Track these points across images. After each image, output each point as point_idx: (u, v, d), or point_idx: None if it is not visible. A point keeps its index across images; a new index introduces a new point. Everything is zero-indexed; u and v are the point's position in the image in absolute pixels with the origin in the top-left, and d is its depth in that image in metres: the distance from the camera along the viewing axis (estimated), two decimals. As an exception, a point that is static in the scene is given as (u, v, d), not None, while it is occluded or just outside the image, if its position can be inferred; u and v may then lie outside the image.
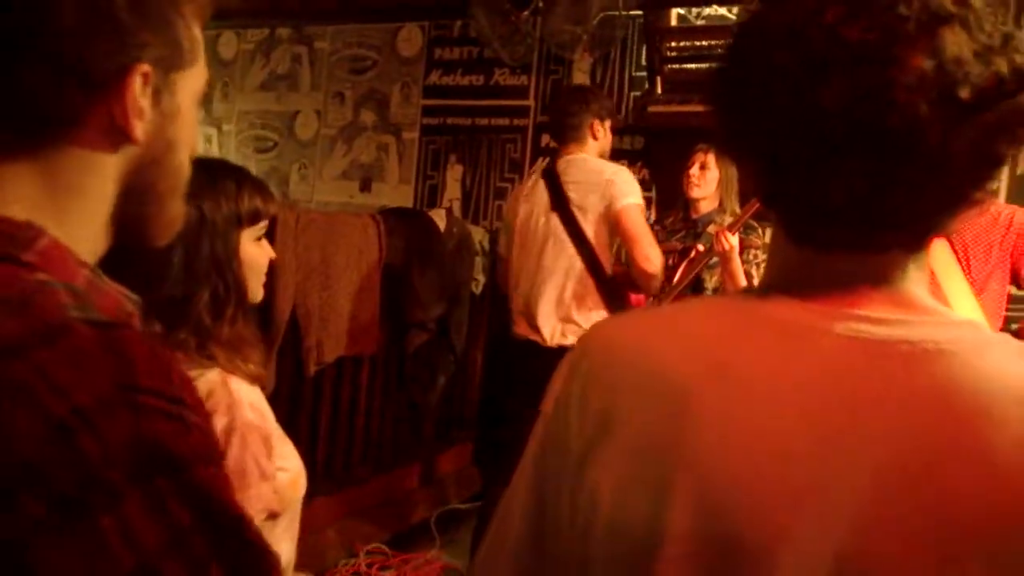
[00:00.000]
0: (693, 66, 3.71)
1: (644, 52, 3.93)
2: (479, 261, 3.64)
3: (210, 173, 1.04)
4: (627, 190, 2.53)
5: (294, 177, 5.04)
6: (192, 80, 0.64)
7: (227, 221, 1.03)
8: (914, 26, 0.52)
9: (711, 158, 2.82)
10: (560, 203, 2.59)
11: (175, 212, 0.66)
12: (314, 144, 4.99)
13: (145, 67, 0.58)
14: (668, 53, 3.75)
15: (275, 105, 5.08)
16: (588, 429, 0.63)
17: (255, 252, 1.10)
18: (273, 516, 1.03)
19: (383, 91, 4.78)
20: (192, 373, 0.95)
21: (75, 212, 0.58)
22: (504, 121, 4.42)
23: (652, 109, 3.57)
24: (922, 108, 0.51)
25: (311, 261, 2.64)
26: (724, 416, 0.58)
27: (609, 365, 0.65)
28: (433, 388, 3.37)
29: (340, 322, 2.78)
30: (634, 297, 2.67)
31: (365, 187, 4.84)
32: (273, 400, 1.12)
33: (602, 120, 2.69)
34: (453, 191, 4.57)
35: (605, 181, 2.54)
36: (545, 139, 4.29)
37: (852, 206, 0.56)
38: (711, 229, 2.73)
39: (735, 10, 3.75)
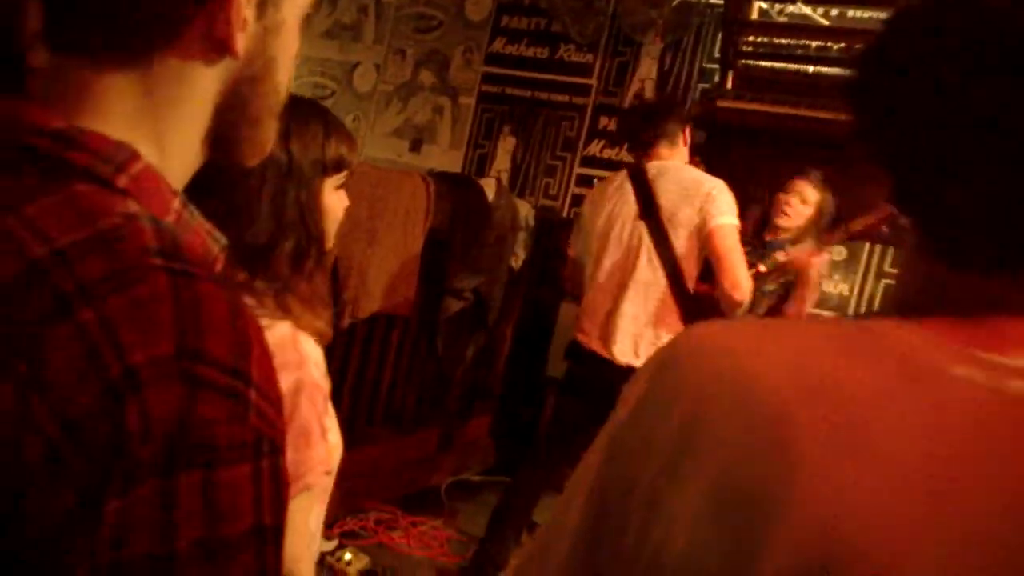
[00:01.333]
0: (769, 64, 3.59)
1: (718, 44, 3.82)
2: (522, 236, 3.59)
3: (299, 112, 0.97)
4: (726, 208, 2.34)
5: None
6: None
7: (313, 167, 0.98)
8: None
9: (813, 192, 2.70)
10: (650, 212, 2.40)
11: (269, 133, 0.63)
12: (370, 98, 4.95)
13: None
14: (744, 47, 3.64)
15: (336, 54, 5.04)
16: (669, 443, 0.55)
17: (335, 202, 1.05)
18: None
19: (445, 53, 4.71)
20: (263, 322, 0.91)
21: (171, 129, 0.56)
22: (564, 98, 4.33)
23: (720, 104, 3.46)
24: None
25: (358, 214, 2.60)
26: (826, 457, 0.49)
27: (699, 374, 0.56)
28: (461, 357, 3.34)
29: (379, 279, 2.74)
30: None
31: (415, 147, 4.80)
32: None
33: (687, 125, 2.57)
34: (503, 162, 4.50)
35: (704, 194, 2.35)
36: (603, 121, 4.20)
37: (1005, 224, 0.49)
38: (780, 256, 2.63)
39: (819, 11, 3.62)
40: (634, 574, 0.55)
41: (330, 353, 2.92)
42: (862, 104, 0.56)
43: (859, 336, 0.55)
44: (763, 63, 3.62)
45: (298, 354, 0.93)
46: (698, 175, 2.43)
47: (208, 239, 0.57)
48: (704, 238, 2.34)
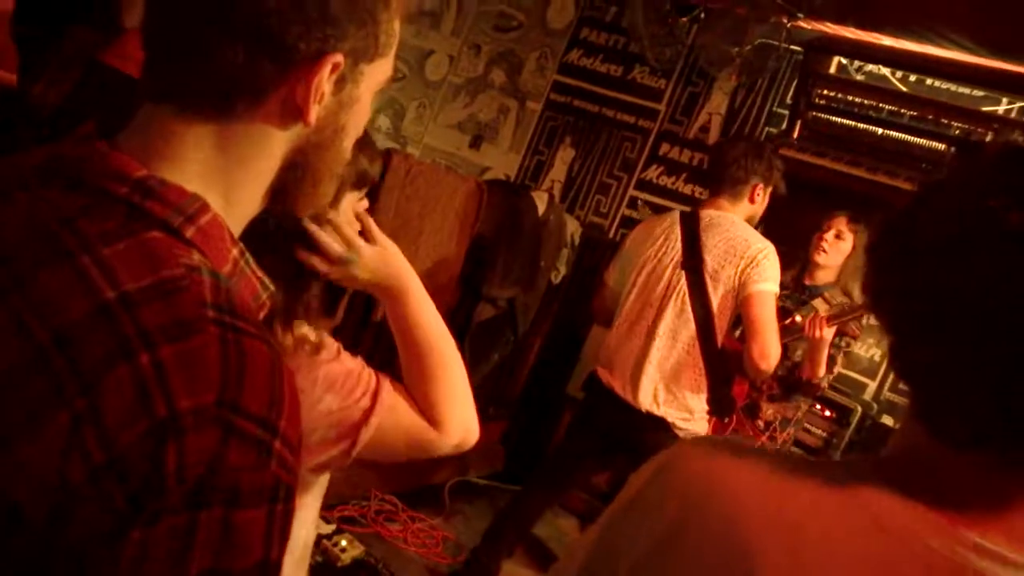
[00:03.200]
0: (838, 120, 3.55)
1: (792, 91, 3.78)
2: (565, 253, 3.60)
3: None
4: (768, 275, 2.29)
5: (411, 114, 5.06)
6: (379, 71, 0.64)
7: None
8: None
9: (849, 228, 2.65)
10: (693, 264, 2.34)
11: (327, 192, 0.67)
12: (439, 87, 5.00)
13: (339, 57, 0.58)
14: (816, 100, 3.59)
15: (412, 39, 5.09)
16: (653, 541, 0.62)
17: (353, 215, 1.08)
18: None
19: (520, 55, 4.73)
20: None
21: (239, 183, 0.60)
22: (630, 118, 4.33)
23: (784, 152, 3.43)
24: None
25: (410, 211, 2.64)
26: None
27: (689, 490, 0.63)
28: (486, 363, 3.37)
29: (419, 277, 2.78)
30: (737, 384, 2.44)
31: (475, 144, 4.83)
32: (334, 336, 1.13)
33: (766, 185, 2.45)
34: (559, 173, 4.52)
35: (749, 257, 2.29)
36: (665, 148, 4.20)
37: (987, 404, 0.52)
38: (817, 303, 2.60)
39: (899, 75, 3.57)
40: None
41: (359, 342, 2.97)
42: (871, 266, 0.60)
43: (838, 487, 0.59)
44: (833, 118, 3.57)
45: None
46: (748, 234, 2.37)
47: (258, 287, 0.61)
48: (742, 300, 2.30)
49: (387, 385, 1.03)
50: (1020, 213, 0.50)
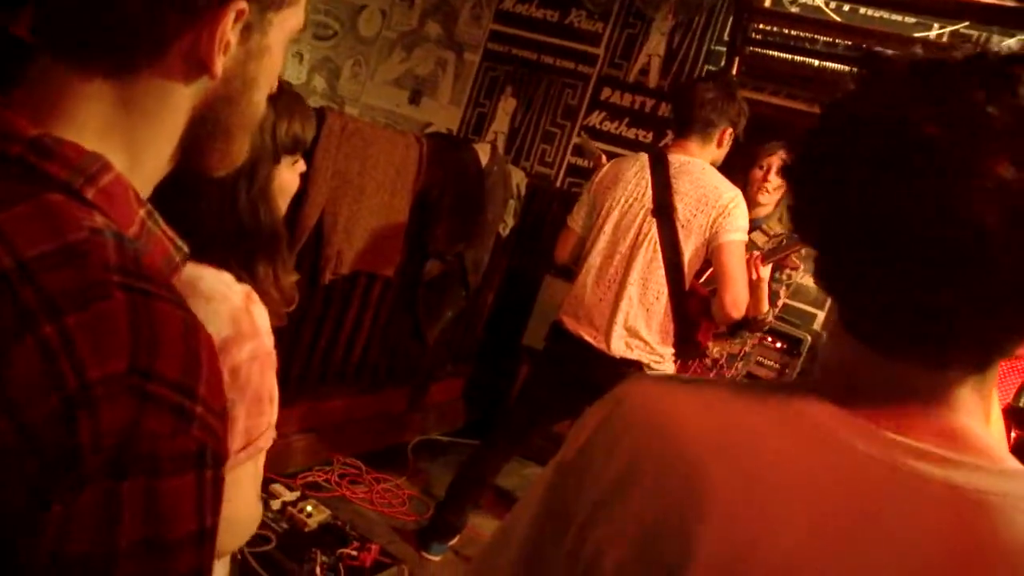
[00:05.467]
0: (776, 54, 3.56)
1: (728, 27, 3.78)
2: (512, 204, 3.58)
3: None
4: (739, 224, 2.28)
5: (346, 72, 4.94)
6: (288, 20, 0.61)
7: (264, 156, 0.98)
8: (1000, 129, 0.48)
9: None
10: (664, 212, 2.31)
11: (240, 147, 0.64)
12: (373, 43, 4.87)
13: (242, 4, 0.55)
14: (753, 35, 3.60)
15: (342, -6, 4.94)
16: (604, 484, 0.63)
17: (290, 177, 1.07)
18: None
19: (454, 5, 4.63)
20: (218, 291, 0.93)
21: (143, 140, 0.57)
22: (569, 64, 4.29)
23: (723, 89, 3.43)
24: (992, 220, 0.48)
25: (348, 171, 2.58)
26: (730, 512, 0.56)
27: (638, 430, 0.64)
28: (439, 320, 3.36)
29: (364, 237, 2.74)
30: (702, 329, 2.43)
31: (414, 99, 4.74)
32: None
33: (733, 129, 2.40)
34: (501, 124, 4.46)
35: (720, 207, 2.28)
36: (606, 92, 4.17)
37: (912, 314, 0.53)
38: (755, 235, 2.61)
39: (832, 5, 3.58)
40: None
41: (309, 306, 2.93)
42: (793, 188, 0.60)
43: (779, 407, 0.60)
44: (771, 52, 3.58)
45: (252, 325, 0.95)
46: (718, 182, 2.34)
47: (170, 247, 0.58)
48: (713, 249, 2.30)
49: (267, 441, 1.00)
50: (938, 125, 0.50)
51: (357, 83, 4.91)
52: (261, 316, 0.98)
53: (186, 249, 0.60)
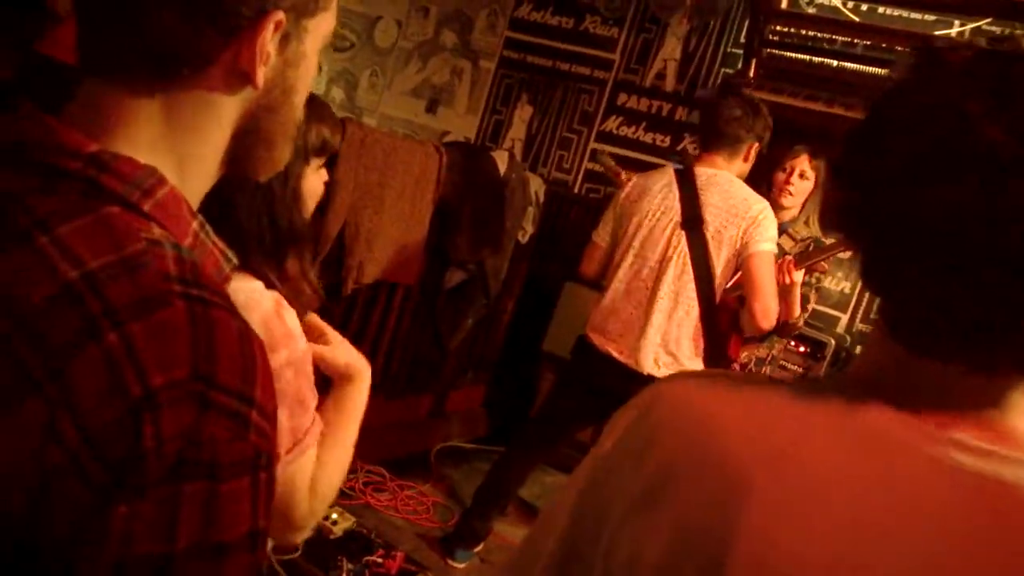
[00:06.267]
0: (793, 55, 3.54)
1: (744, 30, 3.77)
2: (531, 211, 3.59)
3: None
4: (769, 234, 2.28)
5: (363, 83, 4.98)
6: (321, 25, 0.62)
7: (295, 156, 1.00)
8: None
9: (811, 166, 2.61)
10: (693, 224, 2.31)
11: (283, 152, 0.66)
12: (390, 54, 4.91)
13: (280, 15, 0.57)
14: (770, 36, 3.58)
15: (358, 5, 4.98)
16: (640, 484, 0.61)
17: (316, 181, 1.09)
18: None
19: (469, 14, 4.65)
20: (252, 299, 0.95)
21: (191, 153, 0.59)
22: (585, 70, 4.29)
23: (742, 92, 3.42)
24: None
25: (368, 182, 2.60)
26: (778, 520, 0.54)
27: (676, 430, 0.61)
28: (460, 327, 3.37)
29: (385, 247, 2.76)
30: (732, 342, 2.43)
31: (431, 108, 4.77)
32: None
33: (759, 144, 2.42)
34: (518, 131, 4.48)
35: (750, 218, 2.28)
36: (623, 98, 4.17)
37: (962, 317, 0.52)
38: (782, 240, 2.59)
39: (850, 5, 3.57)
40: None
41: (331, 315, 2.96)
42: (841, 182, 0.58)
43: (825, 407, 0.58)
44: (788, 54, 3.56)
45: (284, 329, 0.97)
46: (747, 194, 2.34)
47: (221, 259, 0.60)
48: (744, 260, 2.29)
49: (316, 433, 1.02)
50: (1000, 123, 0.48)
51: (375, 94, 4.95)
52: (292, 320, 1.00)
53: (235, 260, 0.62)
